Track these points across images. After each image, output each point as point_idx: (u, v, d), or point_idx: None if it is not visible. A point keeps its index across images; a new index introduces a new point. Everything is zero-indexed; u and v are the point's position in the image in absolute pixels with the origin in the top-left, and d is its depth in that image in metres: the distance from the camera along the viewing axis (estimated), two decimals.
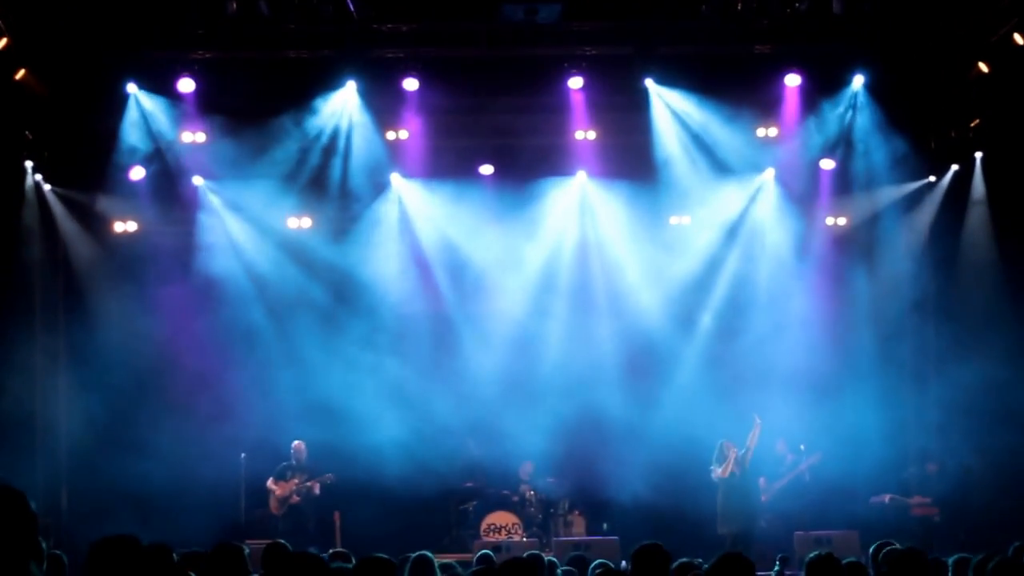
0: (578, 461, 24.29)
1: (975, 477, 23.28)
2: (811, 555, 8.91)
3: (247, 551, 10.81)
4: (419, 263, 25.34)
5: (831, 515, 22.58)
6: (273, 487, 23.36)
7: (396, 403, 24.11)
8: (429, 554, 10.33)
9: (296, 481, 23.26)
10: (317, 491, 23.27)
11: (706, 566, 8.29)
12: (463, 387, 24.71)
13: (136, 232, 24.58)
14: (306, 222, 24.85)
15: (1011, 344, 22.98)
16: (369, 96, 23.66)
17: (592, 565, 11.44)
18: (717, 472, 22.02)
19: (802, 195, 24.88)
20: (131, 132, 23.40)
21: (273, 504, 23.37)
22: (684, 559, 11.13)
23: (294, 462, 23.51)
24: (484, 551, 12.83)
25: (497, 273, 25.29)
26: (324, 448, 23.43)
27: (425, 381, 24.71)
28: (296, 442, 23.54)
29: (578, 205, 25.32)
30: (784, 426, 23.48)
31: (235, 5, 21.15)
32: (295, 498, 23.22)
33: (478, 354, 25.06)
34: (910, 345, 24.81)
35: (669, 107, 24.09)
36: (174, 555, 10.94)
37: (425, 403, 24.42)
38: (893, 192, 24.80)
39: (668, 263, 25.10)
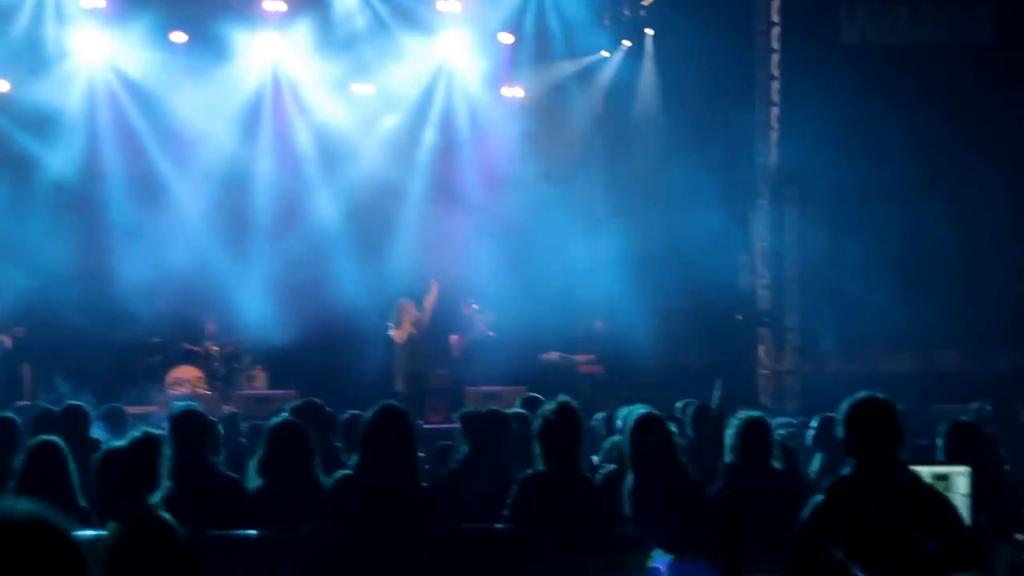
0: (261, 317, 24.76)
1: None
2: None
3: None
4: (118, 123, 25.37)
5: (502, 371, 23.55)
6: None
7: (90, 261, 24.38)
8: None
9: None
10: (9, 345, 23.34)
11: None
12: (157, 244, 24.76)
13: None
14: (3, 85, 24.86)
15: (675, 204, 24.29)
16: None
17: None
18: (394, 333, 22.75)
19: (481, 67, 25.71)
20: None
21: None
22: (353, 411, 11.92)
23: None
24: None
25: (197, 131, 25.40)
26: (20, 301, 23.51)
27: (123, 240, 24.77)
28: None
29: (270, 67, 25.62)
30: (465, 284, 24.47)
31: None
32: None
33: (173, 210, 25.26)
34: (581, 206, 25.50)
35: None
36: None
37: (118, 261, 24.40)
38: (569, 65, 25.87)
39: (354, 127, 25.79)
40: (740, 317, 24.98)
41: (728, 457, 9.49)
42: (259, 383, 24.56)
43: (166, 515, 7.13)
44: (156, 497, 7.13)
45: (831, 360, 24.97)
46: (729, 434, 9.58)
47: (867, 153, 23.61)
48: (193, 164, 25.58)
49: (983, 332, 24.81)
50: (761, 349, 25.02)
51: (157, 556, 6.97)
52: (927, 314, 23.52)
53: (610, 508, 8.95)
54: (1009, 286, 24.45)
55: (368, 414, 8.70)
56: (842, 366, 24.43)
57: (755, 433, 9.49)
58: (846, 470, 6.96)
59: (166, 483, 7.24)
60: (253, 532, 8.63)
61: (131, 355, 24.87)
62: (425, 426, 21.73)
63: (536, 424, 9.01)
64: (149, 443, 7.18)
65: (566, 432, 8.87)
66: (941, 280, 24.30)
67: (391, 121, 26.06)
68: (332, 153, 25.82)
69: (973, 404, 17.10)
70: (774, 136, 24.77)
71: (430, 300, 22.98)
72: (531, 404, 12.16)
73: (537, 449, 8.93)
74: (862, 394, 7.04)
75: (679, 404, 13.82)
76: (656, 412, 9.43)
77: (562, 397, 9.18)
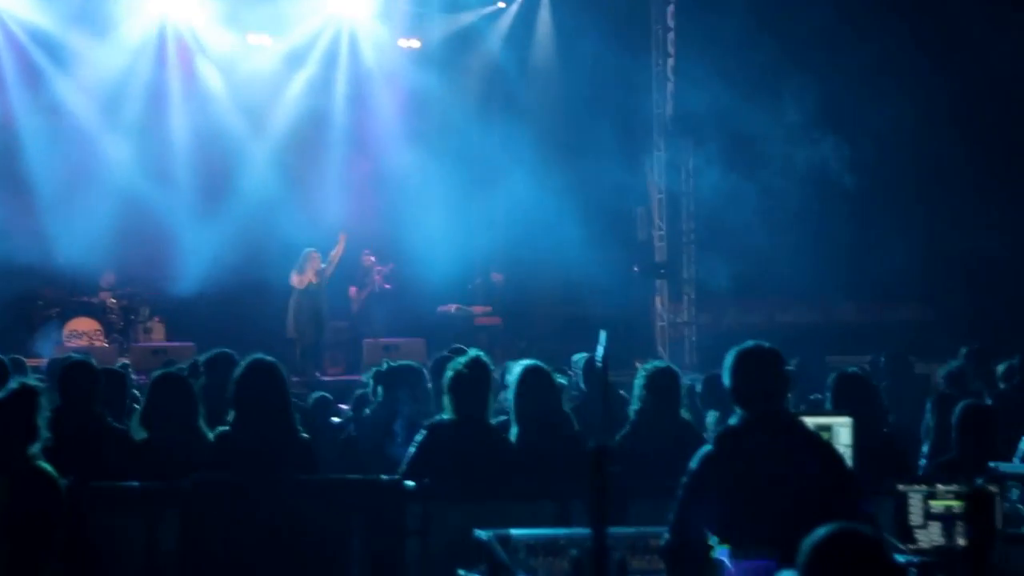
0: (157, 268, 24.58)
1: None
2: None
3: None
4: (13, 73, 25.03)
5: (400, 324, 23.55)
6: None
7: None
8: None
9: None
10: None
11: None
12: (55, 196, 24.53)
13: None
14: None
15: (574, 155, 24.38)
16: None
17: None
18: (295, 280, 22.68)
19: (378, 18, 25.67)
20: None
21: None
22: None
23: None
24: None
25: (70, 76, 25.13)
26: None
27: (20, 193, 24.47)
28: None
29: (164, 18, 25.36)
30: (363, 235, 24.42)
31: None
32: None
33: (71, 162, 24.90)
34: (479, 157, 25.31)
35: None
36: None
37: (15, 213, 24.10)
38: (466, 16, 25.83)
39: (246, 74, 25.59)
40: (637, 269, 25.07)
41: (635, 405, 9.56)
42: (157, 335, 24.43)
43: (46, 466, 7.09)
44: (35, 448, 7.07)
45: (728, 312, 25.20)
46: (636, 384, 9.65)
47: (764, 100, 23.58)
48: (93, 114, 25.16)
49: (882, 284, 25.04)
50: (658, 301, 25.16)
51: (37, 506, 6.95)
52: (826, 266, 23.74)
53: (514, 458, 9.05)
54: (910, 238, 24.68)
55: (238, 370, 8.69)
56: (739, 318, 24.67)
57: (663, 383, 9.52)
58: (733, 420, 6.96)
59: (45, 434, 7.17)
60: (136, 483, 8.60)
61: (28, 307, 24.60)
62: (323, 378, 21.78)
63: (447, 376, 9.11)
64: (26, 395, 7.13)
65: (476, 384, 9.02)
66: (842, 231, 24.51)
67: (285, 73, 25.83)
68: (228, 104, 25.57)
69: (868, 356, 17.29)
70: (670, 87, 24.86)
71: (336, 253, 22.95)
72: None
73: (447, 400, 9.05)
74: (747, 344, 7.01)
75: (575, 357, 13.87)
76: (542, 364, 9.48)
77: (474, 351, 9.32)
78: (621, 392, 13.26)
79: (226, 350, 11.52)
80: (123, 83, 25.16)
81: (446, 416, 9.05)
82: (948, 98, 24.25)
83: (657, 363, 9.95)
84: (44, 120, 24.95)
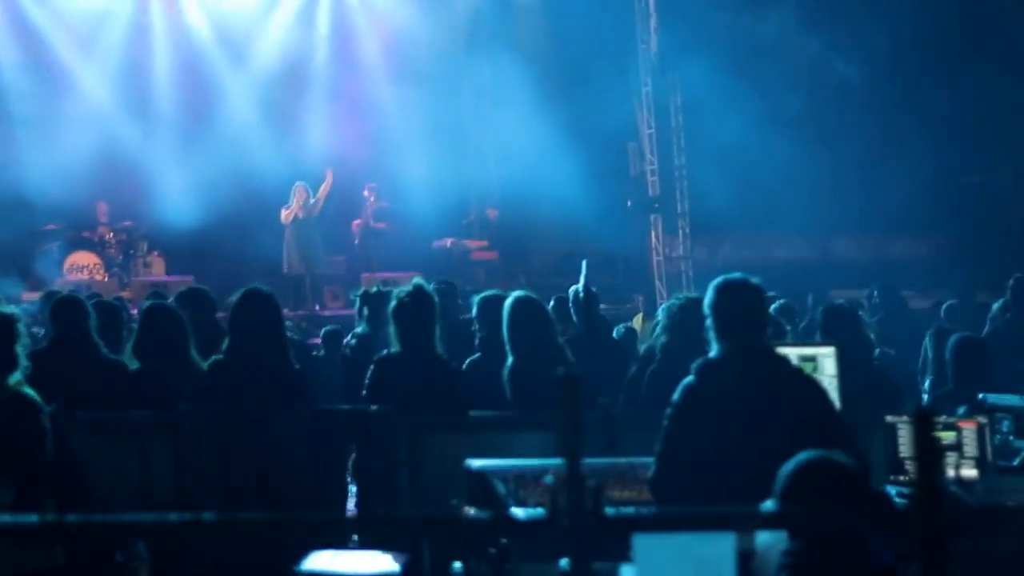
0: (156, 203, 24.54)
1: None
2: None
3: None
4: (9, 11, 25.02)
5: (397, 258, 23.51)
6: None
7: None
8: None
9: None
10: None
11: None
12: (52, 132, 24.47)
13: None
14: None
15: (566, 90, 24.35)
16: None
17: None
18: (282, 215, 22.78)
19: None
20: None
21: None
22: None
23: None
24: None
25: (91, 18, 25.23)
26: None
27: (17, 128, 24.63)
28: None
29: None
30: (363, 169, 24.46)
31: None
32: None
33: (69, 98, 24.93)
34: (472, 93, 25.41)
35: None
36: None
37: (11, 148, 24.38)
38: None
39: (246, 12, 25.66)
40: (631, 204, 25.04)
41: (664, 338, 9.51)
42: (157, 270, 24.44)
43: (29, 391, 7.14)
44: (15, 376, 7.11)
45: (724, 246, 25.16)
46: (665, 314, 9.67)
47: (751, 33, 23.42)
48: (88, 51, 25.16)
49: (880, 219, 24.97)
50: (653, 235, 25.11)
51: (19, 428, 7.06)
52: (823, 201, 23.64)
53: (466, 389, 9.11)
54: (910, 171, 24.57)
55: (234, 299, 8.74)
56: (736, 252, 24.57)
57: (694, 314, 9.44)
58: (713, 353, 6.91)
59: (24, 363, 7.22)
60: (127, 412, 8.71)
61: (28, 242, 24.59)
62: (323, 312, 21.91)
63: (391, 304, 9.24)
64: (2, 323, 7.17)
65: (419, 314, 9.12)
66: (838, 166, 24.39)
67: (281, 7, 25.81)
68: (227, 39, 25.53)
69: (864, 291, 17.35)
70: (653, 22, 24.66)
71: (324, 190, 23.01)
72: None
73: (391, 329, 9.17)
74: (728, 276, 6.94)
75: (572, 289, 13.92)
76: (532, 295, 9.52)
77: (417, 280, 9.37)
78: (627, 325, 13.50)
79: (200, 286, 11.61)
80: (120, 17, 25.17)
81: (393, 349, 9.15)
82: (944, 26, 24.16)
83: (689, 294, 9.90)
84: (26, 53, 24.93)
